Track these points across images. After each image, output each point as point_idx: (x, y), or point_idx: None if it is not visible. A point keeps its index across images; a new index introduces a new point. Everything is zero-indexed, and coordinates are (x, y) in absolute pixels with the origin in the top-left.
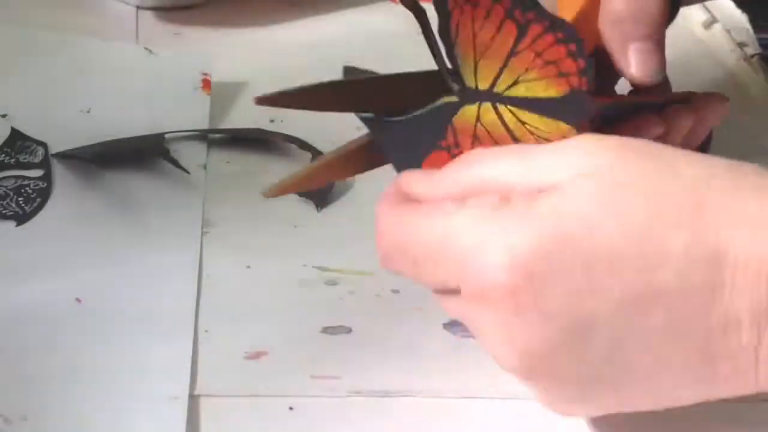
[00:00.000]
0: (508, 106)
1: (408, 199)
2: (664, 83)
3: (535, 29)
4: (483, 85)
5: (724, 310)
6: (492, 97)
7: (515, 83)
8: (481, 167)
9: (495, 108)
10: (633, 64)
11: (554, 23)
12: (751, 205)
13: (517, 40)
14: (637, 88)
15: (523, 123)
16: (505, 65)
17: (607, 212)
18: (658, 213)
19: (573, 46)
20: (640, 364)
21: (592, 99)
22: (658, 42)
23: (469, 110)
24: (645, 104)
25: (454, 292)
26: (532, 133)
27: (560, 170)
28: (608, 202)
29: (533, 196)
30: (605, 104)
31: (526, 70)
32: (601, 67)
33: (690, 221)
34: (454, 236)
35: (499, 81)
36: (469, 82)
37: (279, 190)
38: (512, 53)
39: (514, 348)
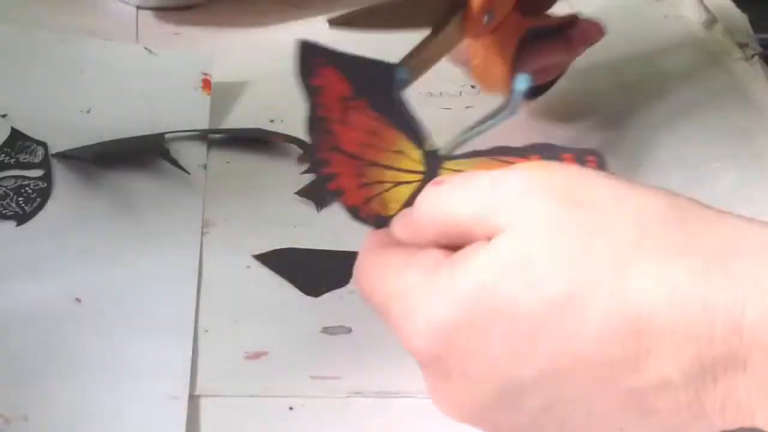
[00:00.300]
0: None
1: (387, 238)
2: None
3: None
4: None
5: (653, 375)
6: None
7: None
8: (433, 206)
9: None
10: None
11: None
12: (676, 268)
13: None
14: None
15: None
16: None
17: (529, 283)
18: (579, 281)
19: None
20: (575, 418)
21: None
22: None
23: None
24: (552, 28)
25: None
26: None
27: (493, 216)
28: (530, 270)
29: (462, 259)
30: (532, 26)
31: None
32: None
33: (611, 287)
34: (395, 298)
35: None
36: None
37: (344, 20)
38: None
39: (452, 404)
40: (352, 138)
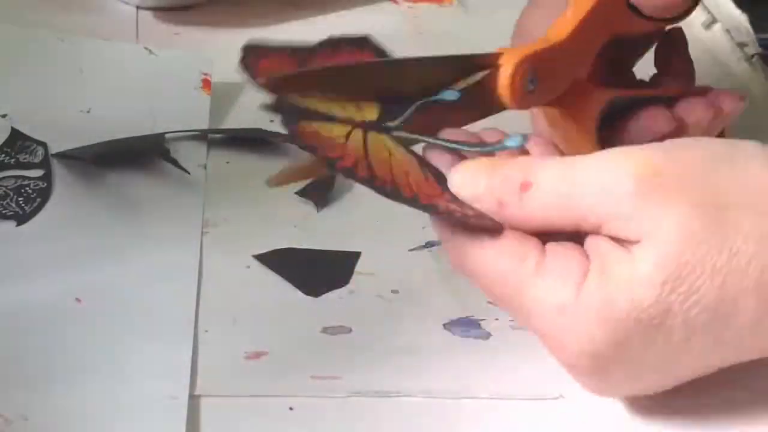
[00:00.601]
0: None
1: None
2: (687, 76)
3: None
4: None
5: None
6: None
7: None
8: (561, 190)
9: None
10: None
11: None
12: None
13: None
14: (662, 65)
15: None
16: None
17: (677, 288)
18: (725, 283)
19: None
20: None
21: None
22: None
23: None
24: (657, 98)
25: None
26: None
27: (633, 227)
28: (678, 287)
29: (605, 273)
30: (614, 97)
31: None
32: (619, 54)
33: (756, 287)
34: (533, 310)
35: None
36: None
37: (281, 179)
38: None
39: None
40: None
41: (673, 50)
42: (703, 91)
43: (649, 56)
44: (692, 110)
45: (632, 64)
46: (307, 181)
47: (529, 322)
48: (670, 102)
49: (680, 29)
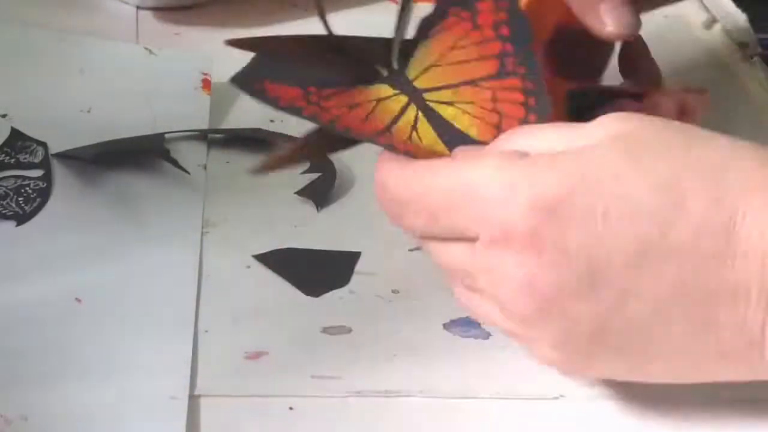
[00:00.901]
0: (419, 112)
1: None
2: (654, 73)
3: (513, 81)
4: (418, 83)
5: (733, 279)
6: (416, 95)
7: (448, 103)
8: (520, 138)
9: (408, 103)
10: (607, 23)
11: (533, 91)
12: None
13: (488, 78)
14: (625, 65)
15: (416, 129)
16: (455, 85)
17: (633, 164)
18: (682, 171)
19: (533, 116)
20: (643, 320)
21: None
22: None
23: (384, 89)
24: (623, 93)
25: (471, 240)
26: (411, 140)
27: (589, 136)
28: (634, 156)
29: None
30: (575, 90)
31: (471, 102)
32: (580, 50)
33: (712, 185)
34: (478, 183)
35: (434, 91)
36: (408, 72)
37: (263, 168)
38: (473, 83)
39: (532, 290)
40: (355, 123)
41: (636, 54)
42: (670, 91)
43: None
44: (659, 105)
45: (597, 63)
46: (292, 168)
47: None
48: (639, 99)
49: (639, 36)
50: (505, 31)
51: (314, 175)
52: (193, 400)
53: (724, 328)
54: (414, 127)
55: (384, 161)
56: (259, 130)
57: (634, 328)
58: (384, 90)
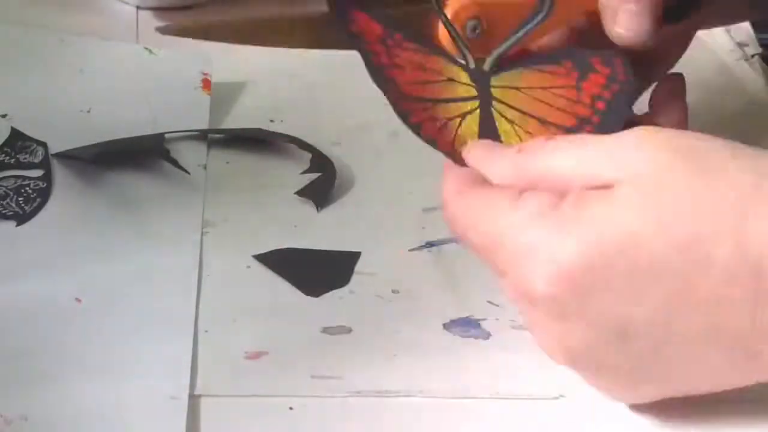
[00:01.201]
0: (479, 110)
1: (474, 177)
2: (681, 118)
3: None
4: (495, 91)
5: (766, 321)
6: (485, 96)
7: (510, 121)
8: (541, 158)
9: (474, 97)
10: (620, 22)
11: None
12: None
13: (560, 126)
14: (657, 107)
15: (464, 119)
16: (526, 113)
17: (654, 223)
18: (703, 223)
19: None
20: (681, 359)
21: None
22: (650, 8)
23: (460, 73)
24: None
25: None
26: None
27: (611, 168)
28: (654, 212)
29: (583, 199)
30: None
31: (530, 132)
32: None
33: (734, 232)
34: (507, 234)
35: (504, 105)
36: (491, 78)
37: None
38: (543, 121)
39: (558, 345)
40: (407, 80)
41: (671, 95)
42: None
43: None
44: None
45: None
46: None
47: (501, 248)
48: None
49: (681, 75)
50: (601, 105)
51: (314, 175)
52: (193, 400)
53: (764, 354)
54: (463, 116)
55: (448, 180)
56: (259, 130)
57: (673, 368)
58: (459, 74)
